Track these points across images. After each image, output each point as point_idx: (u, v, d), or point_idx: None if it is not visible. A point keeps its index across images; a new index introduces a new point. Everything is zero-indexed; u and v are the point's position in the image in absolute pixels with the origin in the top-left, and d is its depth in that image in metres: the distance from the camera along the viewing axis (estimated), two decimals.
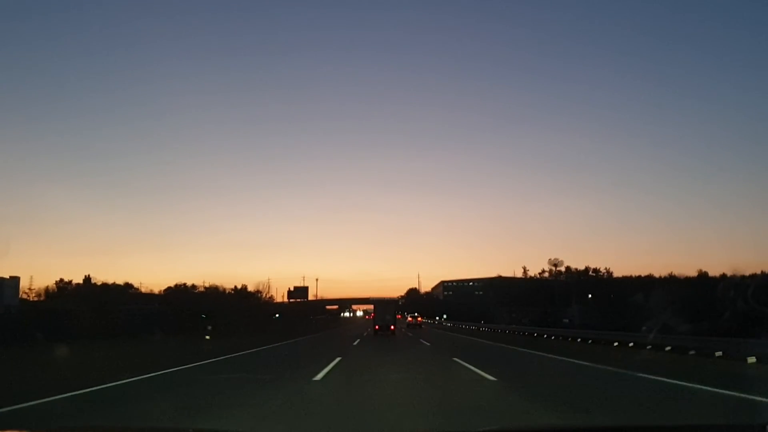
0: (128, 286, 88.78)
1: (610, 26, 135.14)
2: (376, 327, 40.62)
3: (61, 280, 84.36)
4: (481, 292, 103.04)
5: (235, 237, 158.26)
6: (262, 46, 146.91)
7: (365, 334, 38.50)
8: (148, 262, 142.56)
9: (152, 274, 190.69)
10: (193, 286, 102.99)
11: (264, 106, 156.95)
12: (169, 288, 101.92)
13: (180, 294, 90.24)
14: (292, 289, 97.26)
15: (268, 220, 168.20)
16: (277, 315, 73.41)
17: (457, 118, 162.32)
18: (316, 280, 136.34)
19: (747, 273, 49.71)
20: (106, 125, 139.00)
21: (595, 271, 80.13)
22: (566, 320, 51.84)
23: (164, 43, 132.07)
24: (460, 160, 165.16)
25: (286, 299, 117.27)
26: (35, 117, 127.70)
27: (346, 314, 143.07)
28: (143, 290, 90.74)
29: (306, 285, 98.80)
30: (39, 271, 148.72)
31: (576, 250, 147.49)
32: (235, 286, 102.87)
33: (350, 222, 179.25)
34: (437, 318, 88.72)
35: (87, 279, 74.76)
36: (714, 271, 74.77)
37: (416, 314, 77.21)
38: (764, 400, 7.90)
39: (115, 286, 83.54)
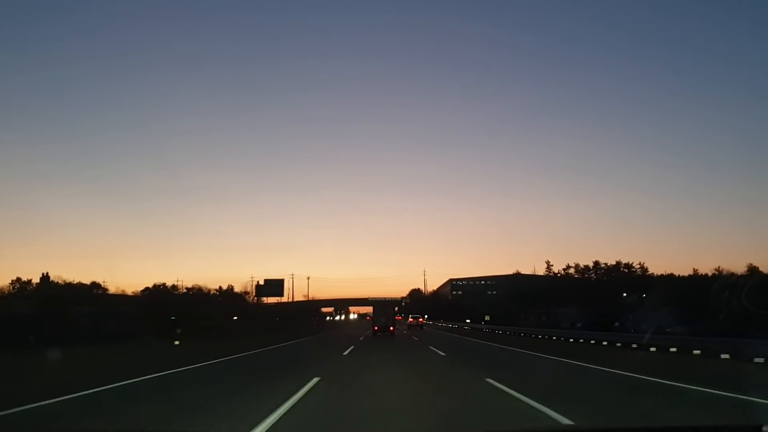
0: (95, 285, 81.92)
1: (609, 29, 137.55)
2: (375, 328, 41.46)
3: (18, 279, 77.54)
4: (495, 292, 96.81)
5: (233, 241, 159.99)
6: (259, 51, 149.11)
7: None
8: (144, 267, 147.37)
9: (147, 278, 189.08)
10: (174, 287, 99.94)
11: (263, 110, 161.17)
12: (147, 289, 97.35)
13: (159, 295, 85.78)
14: (261, 282, 72.62)
15: (266, 225, 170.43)
16: (235, 317, 55.93)
17: (455, 122, 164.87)
18: (308, 278, 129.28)
19: None
20: (98, 128, 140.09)
21: (628, 266, 74.03)
22: (616, 323, 46.12)
23: (161, 48, 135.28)
24: (464, 162, 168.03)
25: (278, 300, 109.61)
26: (27, 120, 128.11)
27: (337, 317, 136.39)
28: (113, 291, 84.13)
29: (281, 278, 75.17)
30: (31, 275, 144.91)
31: (594, 247, 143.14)
32: (220, 287, 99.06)
33: (352, 225, 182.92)
34: (468, 321, 71.12)
35: (45, 278, 67.69)
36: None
37: (418, 315, 73.66)
38: None
39: (80, 285, 76.66)
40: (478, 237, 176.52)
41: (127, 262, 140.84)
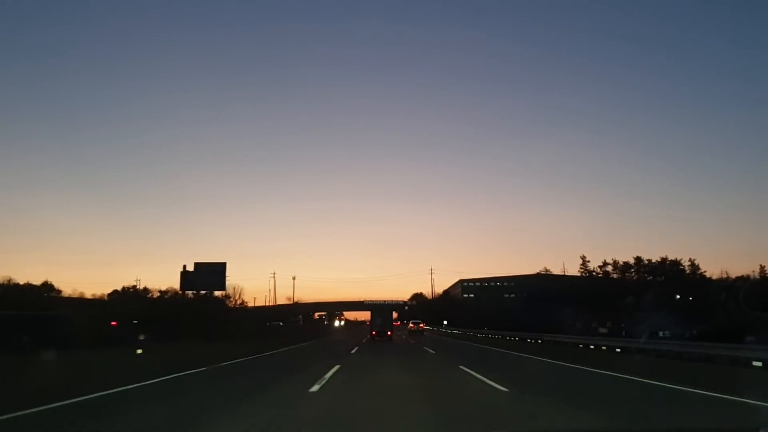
0: (47, 287, 71.79)
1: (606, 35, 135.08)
2: (373, 333, 41.33)
3: None
4: (513, 294, 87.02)
5: (229, 246, 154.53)
6: (255, 58, 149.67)
7: None
8: (134, 272, 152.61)
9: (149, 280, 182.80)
10: (146, 290, 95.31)
11: (264, 117, 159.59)
12: (115, 291, 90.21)
13: (127, 298, 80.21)
14: (189, 268, 46.77)
15: (261, 230, 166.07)
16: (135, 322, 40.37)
17: (455, 128, 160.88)
18: (293, 278, 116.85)
19: None
20: (94, 137, 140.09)
21: (675, 263, 64.79)
22: (695, 332, 36.74)
23: (157, 52, 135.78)
24: (473, 162, 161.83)
25: (254, 303, 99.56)
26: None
27: (335, 323, 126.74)
28: (69, 293, 74.35)
29: (222, 261, 48.23)
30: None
31: (621, 244, 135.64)
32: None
33: (350, 230, 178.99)
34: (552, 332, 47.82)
35: None
36: None
37: (419, 321, 71.06)
38: None
39: (28, 287, 66.37)
40: (487, 236, 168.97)
41: (114, 266, 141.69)
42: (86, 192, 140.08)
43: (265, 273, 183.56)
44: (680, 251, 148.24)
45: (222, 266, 48.15)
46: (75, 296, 72.92)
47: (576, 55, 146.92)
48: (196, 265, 47.27)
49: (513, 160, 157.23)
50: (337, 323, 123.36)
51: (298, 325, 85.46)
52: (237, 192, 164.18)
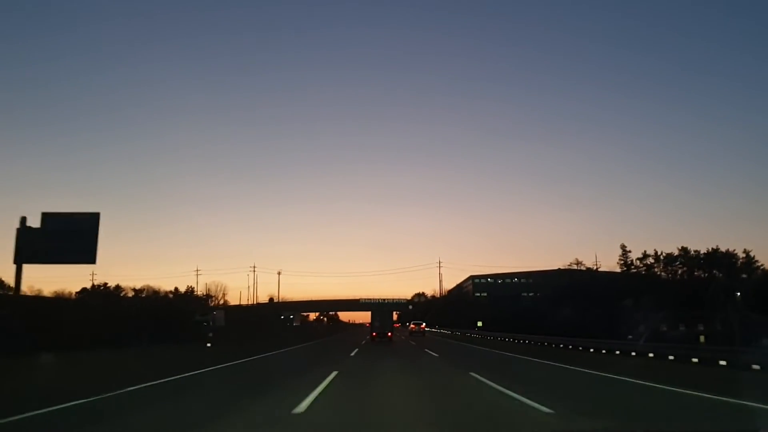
0: None
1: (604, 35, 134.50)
2: (374, 334, 41.37)
3: None
4: (531, 293, 78.62)
5: (227, 248, 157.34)
6: (253, 59, 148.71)
7: None
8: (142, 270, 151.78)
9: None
10: (118, 287, 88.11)
11: (263, 121, 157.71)
12: (84, 289, 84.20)
13: (97, 297, 77.72)
14: (34, 224, 23.73)
15: (264, 231, 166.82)
16: None
17: (460, 129, 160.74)
18: (278, 273, 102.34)
19: None
20: (85, 137, 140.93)
21: (728, 255, 56.73)
22: None
23: (151, 61, 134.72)
24: (478, 160, 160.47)
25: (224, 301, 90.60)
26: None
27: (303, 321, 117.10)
28: (25, 290, 65.34)
29: (94, 211, 25.09)
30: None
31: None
32: (176, 288, 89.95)
33: (352, 232, 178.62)
34: None
35: None
36: None
37: (420, 322, 70.49)
38: None
39: None
40: (494, 235, 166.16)
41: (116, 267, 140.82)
42: (84, 194, 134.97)
43: (265, 273, 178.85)
44: (732, 242, 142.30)
45: (91, 221, 25.36)
46: (33, 294, 64.35)
47: (592, 48, 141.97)
48: (45, 217, 24.56)
49: (521, 158, 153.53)
50: (297, 322, 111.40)
51: (207, 326, 50.65)
52: (235, 193, 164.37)
